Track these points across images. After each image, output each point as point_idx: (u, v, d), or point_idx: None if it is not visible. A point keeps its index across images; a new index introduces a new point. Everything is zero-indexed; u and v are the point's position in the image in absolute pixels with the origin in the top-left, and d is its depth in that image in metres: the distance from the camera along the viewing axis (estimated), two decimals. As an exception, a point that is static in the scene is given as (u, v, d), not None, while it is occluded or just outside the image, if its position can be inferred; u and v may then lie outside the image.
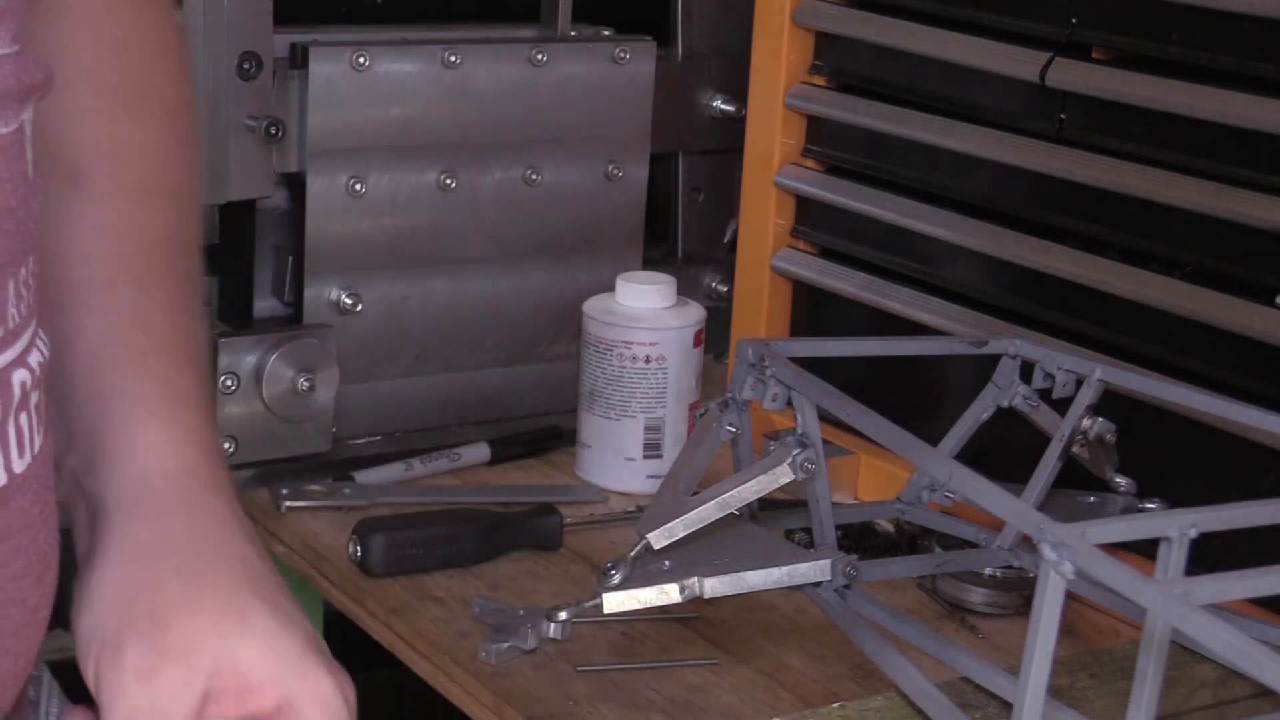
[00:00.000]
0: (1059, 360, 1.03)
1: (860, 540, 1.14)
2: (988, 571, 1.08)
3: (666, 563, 0.91)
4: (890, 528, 1.15)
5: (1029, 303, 1.15)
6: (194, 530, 0.71)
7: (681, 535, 0.91)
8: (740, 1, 1.38)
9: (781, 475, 0.93)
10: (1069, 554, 0.71)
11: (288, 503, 1.19)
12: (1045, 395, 1.05)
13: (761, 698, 0.98)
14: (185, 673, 0.68)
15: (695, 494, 0.94)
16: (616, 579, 0.89)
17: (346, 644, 1.30)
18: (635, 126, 1.37)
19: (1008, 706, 0.91)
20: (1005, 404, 1.06)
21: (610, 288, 1.26)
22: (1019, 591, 1.08)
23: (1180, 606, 0.66)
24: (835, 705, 0.96)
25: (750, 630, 1.06)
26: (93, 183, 0.77)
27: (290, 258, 1.29)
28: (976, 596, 1.09)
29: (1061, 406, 1.03)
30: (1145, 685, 0.79)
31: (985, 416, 1.06)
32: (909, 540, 1.13)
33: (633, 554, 0.89)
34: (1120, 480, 1.07)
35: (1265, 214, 1.00)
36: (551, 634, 0.95)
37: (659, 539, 0.91)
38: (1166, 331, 1.06)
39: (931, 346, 1.12)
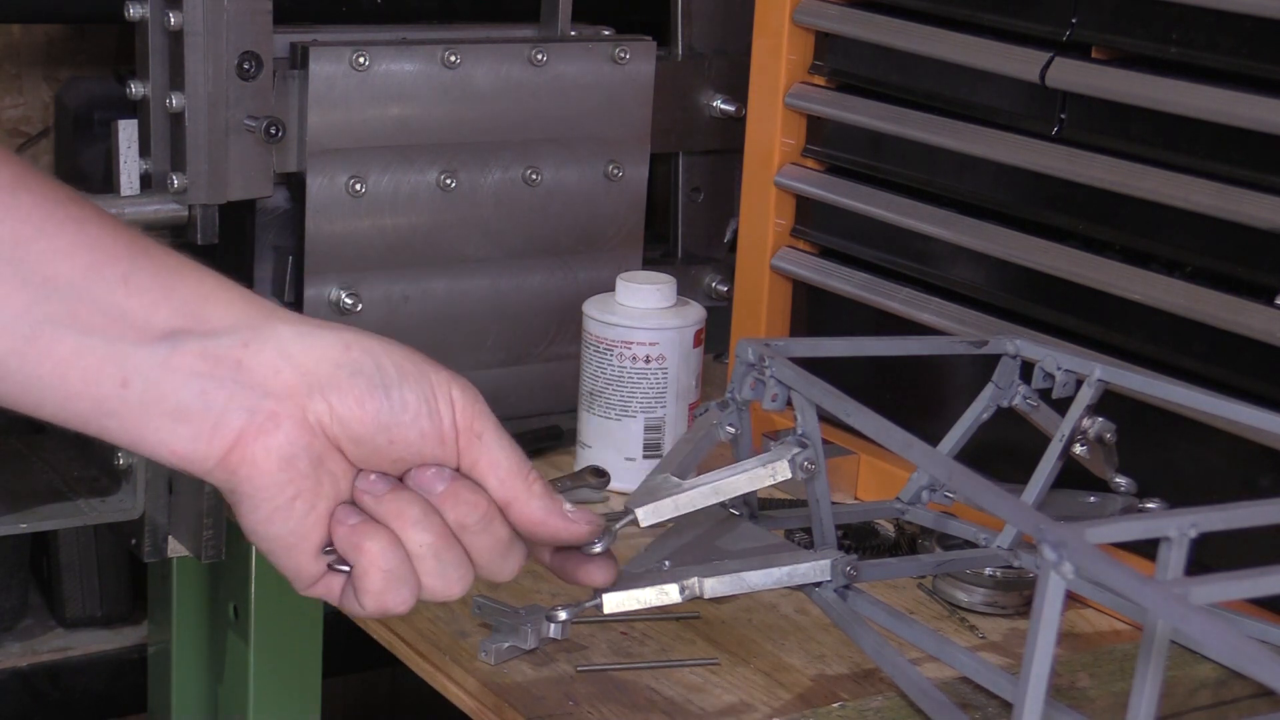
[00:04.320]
0: (1059, 360, 1.03)
1: (860, 540, 1.14)
2: (988, 571, 1.08)
3: (666, 563, 0.91)
4: (890, 528, 1.15)
5: (1029, 303, 1.15)
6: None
7: (671, 516, 0.90)
8: (740, 1, 1.38)
9: (780, 471, 0.93)
10: (1069, 554, 0.71)
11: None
12: (1045, 395, 1.05)
13: (761, 698, 0.98)
14: None
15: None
16: (598, 548, 0.87)
17: (346, 644, 1.31)
18: (635, 126, 1.37)
19: (1008, 706, 0.91)
20: (1005, 404, 1.06)
21: (610, 288, 1.26)
22: (1019, 591, 1.08)
23: (1180, 607, 0.66)
24: (835, 705, 0.96)
25: (750, 630, 1.06)
26: None
27: (290, 257, 1.29)
28: (976, 596, 1.09)
29: (1061, 406, 1.03)
30: (1145, 685, 0.79)
31: (985, 416, 1.06)
32: (909, 540, 1.13)
33: (618, 526, 0.87)
34: (1120, 480, 1.07)
35: (1265, 214, 1.00)
36: (551, 634, 0.95)
37: (647, 515, 0.89)
38: (1166, 331, 1.06)
39: (931, 346, 1.12)
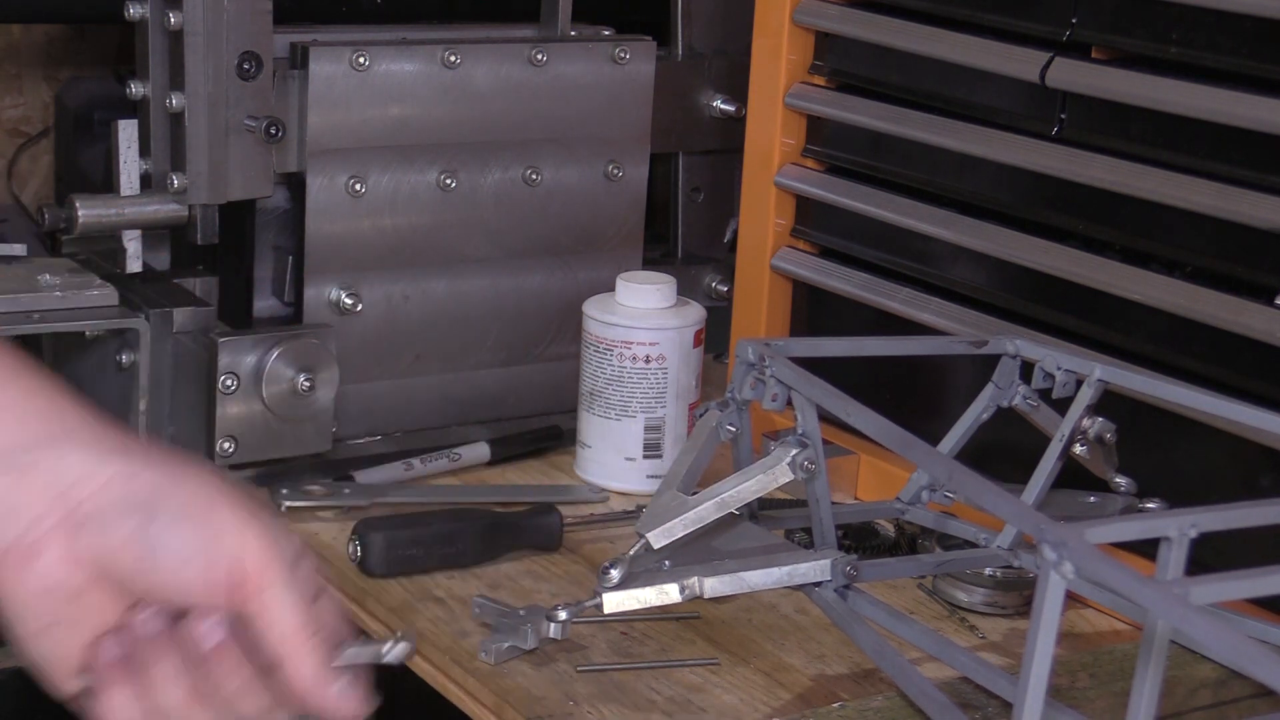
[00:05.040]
0: (1059, 360, 1.03)
1: (861, 540, 1.14)
2: (988, 571, 1.08)
3: (666, 563, 0.91)
4: (890, 528, 1.15)
5: (1029, 303, 1.15)
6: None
7: (681, 535, 0.91)
8: (740, 1, 1.38)
9: (781, 475, 0.93)
10: (1069, 554, 0.71)
11: (288, 502, 1.19)
12: (1045, 395, 1.05)
13: (761, 698, 0.98)
14: None
15: (694, 494, 0.94)
16: (615, 578, 0.89)
17: (346, 644, 1.31)
18: (635, 126, 1.37)
19: (1007, 706, 0.91)
20: (1005, 404, 1.06)
21: (610, 288, 1.26)
22: (1019, 591, 1.08)
23: (1180, 607, 0.66)
24: (835, 705, 0.96)
25: (750, 630, 1.06)
26: None
27: (290, 258, 1.29)
28: (976, 596, 1.09)
29: (1061, 406, 1.03)
30: (1145, 685, 0.79)
31: (985, 416, 1.06)
32: (909, 540, 1.13)
33: (631, 553, 0.89)
34: (1120, 480, 1.07)
35: (1265, 214, 1.00)
36: (551, 634, 0.95)
37: (658, 538, 0.91)
38: (1166, 331, 1.06)
39: (931, 346, 1.12)
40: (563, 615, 0.91)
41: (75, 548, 0.72)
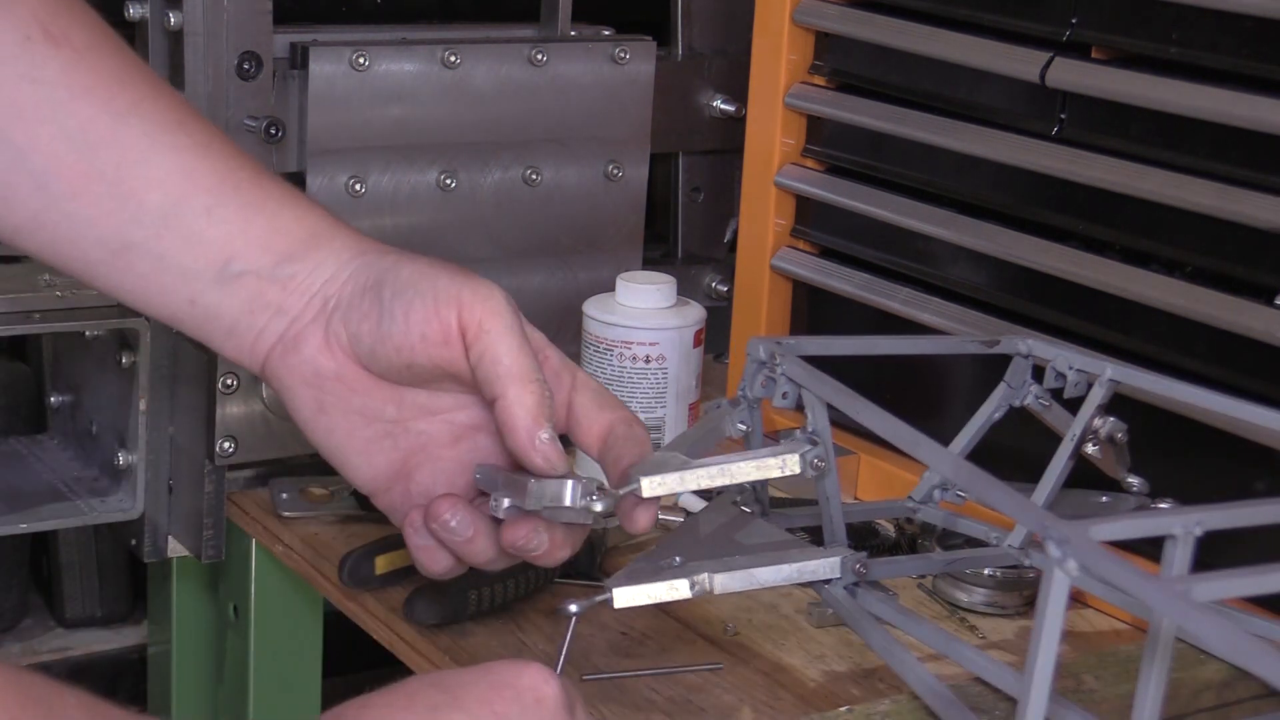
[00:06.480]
0: (1071, 360, 1.03)
1: (860, 541, 1.13)
2: (987, 572, 1.07)
3: (677, 559, 0.91)
4: (890, 528, 1.15)
5: (1029, 302, 1.15)
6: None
7: (675, 490, 0.88)
8: (740, 1, 1.38)
9: (790, 464, 0.92)
10: (1073, 551, 0.71)
11: (286, 512, 1.19)
12: (1056, 395, 1.04)
13: (762, 698, 0.98)
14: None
15: None
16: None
17: (347, 644, 1.31)
18: (635, 126, 1.37)
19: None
20: (1018, 403, 1.05)
21: (610, 288, 1.26)
22: (1019, 592, 1.08)
23: (1182, 603, 0.66)
24: (843, 709, 0.96)
25: (751, 630, 1.06)
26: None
27: (290, 258, 1.29)
28: (976, 597, 1.09)
29: (1072, 406, 1.03)
30: (1150, 684, 0.79)
31: (998, 416, 1.06)
32: (909, 541, 1.13)
33: (622, 492, 0.86)
34: (1132, 480, 1.07)
35: (1265, 214, 1.00)
36: (569, 501, 0.86)
37: (651, 486, 0.87)
38: (1166, 331, 1.06)
39: (943, 345, 1.12)
40: (573, 608, 0.90)
41: (328, 335, 0.87)
